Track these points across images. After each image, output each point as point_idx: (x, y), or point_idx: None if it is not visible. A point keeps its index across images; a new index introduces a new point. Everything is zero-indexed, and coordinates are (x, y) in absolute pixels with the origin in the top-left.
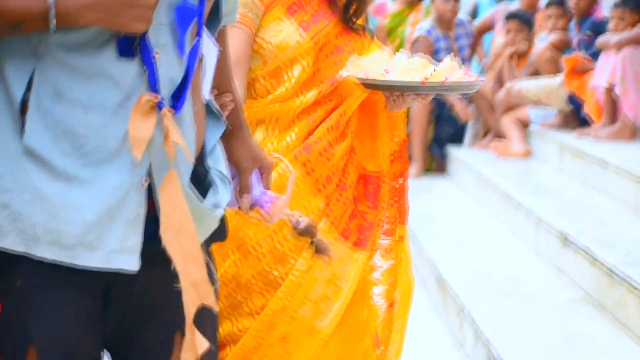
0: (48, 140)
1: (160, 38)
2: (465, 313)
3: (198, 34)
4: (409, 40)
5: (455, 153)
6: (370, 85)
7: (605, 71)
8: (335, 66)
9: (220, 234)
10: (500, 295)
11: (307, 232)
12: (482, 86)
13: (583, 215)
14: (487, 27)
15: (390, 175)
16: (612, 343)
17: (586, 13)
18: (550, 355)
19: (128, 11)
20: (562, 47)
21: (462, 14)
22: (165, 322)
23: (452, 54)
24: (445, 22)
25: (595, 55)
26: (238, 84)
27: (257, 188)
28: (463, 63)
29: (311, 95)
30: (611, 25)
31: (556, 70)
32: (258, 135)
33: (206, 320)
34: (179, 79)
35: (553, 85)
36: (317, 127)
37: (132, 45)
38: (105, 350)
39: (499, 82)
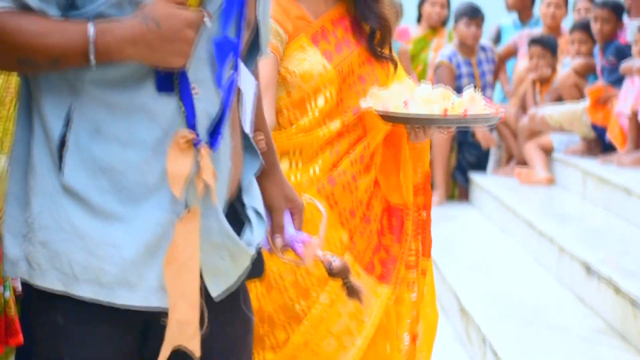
0: (86, 177)
1: (199, 73)
2: (488, 343)
3: (235, 67)
4: (432, 66)
5: (478, 180)
6: (389, 118)
7: (630, 97)
8: (358, 96)
9: (258, 270)
10: (523, 324)
11: (340, 274)
12: (505, 112)
13: (606, 243)
14: (511, 53)
15: (413, 208)
16: None
17: (610, 38)
18: None
19: (168, 46)
20: (586, 72)
21: (485, 39)
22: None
23: (474, 82)
24: (467, 47)
25: (619, 81)
26: (267, 107)
27: (289, 229)
28: (485, 88)
29: (334, 125)
30: (635, 50)
31: (580, 96)
32: (282, 167)
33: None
34: (216, 113)
35: (576, 112)
36: (341, 159)
37: (171, 80)
38: None
39: (522, 108)
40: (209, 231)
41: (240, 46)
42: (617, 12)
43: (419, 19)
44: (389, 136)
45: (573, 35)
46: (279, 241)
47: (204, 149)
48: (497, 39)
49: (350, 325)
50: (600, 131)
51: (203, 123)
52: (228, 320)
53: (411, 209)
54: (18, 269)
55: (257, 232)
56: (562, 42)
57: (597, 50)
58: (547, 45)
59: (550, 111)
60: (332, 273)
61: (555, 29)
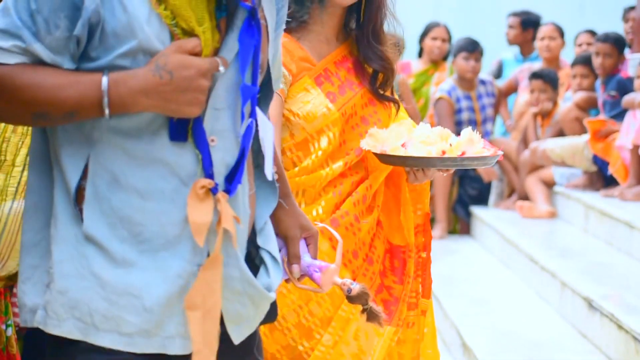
0: (106, 227)
1: (217, 124)
2: None
3: (252, 114)
4: (432, 101)
5: (479, 213)
6: (387, 159)
7: (631, 131)
8: (361, 137)
9: (271, 315)
10: (525, 359)
11: (359, 299)
12: (506, 146)
13: (609, 278)
14: (511, 89)
15: (414, 250)
16: None
17: (612, 72)
18: None
19: (181, 96)
20: (588, 106)
21: (486, 73)
22: None
23: (474, 116)
24: (467, 81)
25: (620, 116)
26: None
27: (305, 257)
28: (486, 122)
29: (337, 166)
30: (637, 84)
31: (581, 130)
32: None
33: None
34: (234, 161)
35: (578, 146)
36: (343, 200)
37: (185, 130)
38: None
39: (524, 141)
40: (231, 279)
41: (258, 91)
42: (619, 46)
43: (420, 53)
44: (390, 176)
45: (574, 69)
46: (296, 270)
47: (222, 195)
48: (499, 73)
49: None
50: (602, 165)
51: (221, 172)
52: None
53: (413, 250)
54: (35, 318)
55: (274, 276)
56: (562, 75)
57: (598, 84)
58: (547, 79)
59: (551, 145)
60: (351, 298)
61: (553, 61)
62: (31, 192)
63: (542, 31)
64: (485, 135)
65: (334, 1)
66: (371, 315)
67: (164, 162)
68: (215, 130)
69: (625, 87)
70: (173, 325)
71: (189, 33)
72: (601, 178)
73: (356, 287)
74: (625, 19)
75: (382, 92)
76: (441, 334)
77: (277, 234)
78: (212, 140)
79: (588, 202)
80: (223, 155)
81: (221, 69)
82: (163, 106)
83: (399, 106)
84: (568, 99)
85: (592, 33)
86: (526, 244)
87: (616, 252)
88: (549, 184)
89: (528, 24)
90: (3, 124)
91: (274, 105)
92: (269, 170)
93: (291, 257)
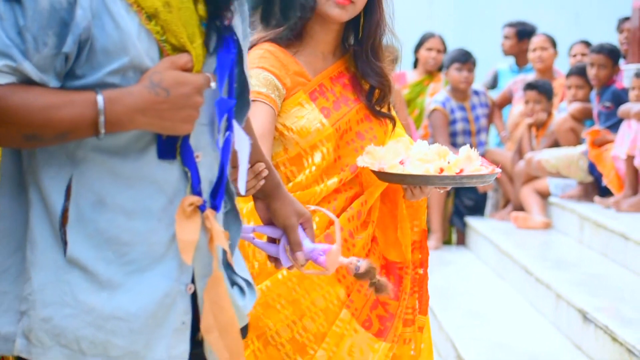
0: (91, 249)
1: (201, 139)
2: None
3: (229, 127)
4: (427, 112)
5: (474, 224)
6: (385, 177)
7: (626, 141)
8: (356, 153)
9: (243, 331)
10: None
11: (367, 275)
12: (501, 157)
13: (603, 289)
14: (506, 100)
15: (411, 266)
16: None
17: (607, 83)
18: None
19: (177, 113)
20: (583, 117)
21: (483, 84)
22: None
23: (469, 127)
24: (460, 92)
25: (615, 127)
26: None
27: (306, 243)
28: (480, 132)
29: (332, 182)
30: (632, 95)
31: (576, 141)
32: None
33: None
34: (216, 177)
35: (573, 156)
36: (338, 216)
37: (173, 148)
38: None
39: (519, 152)
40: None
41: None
42: (614, 57)
43: (415, 64)
44: (386, 192)
45: (569, 80)
46: (301, 257)
47: (210, 212)
48: (494, 83)
49: None
50: (597, 175)
51: (205, 188)
52: None
53: (410, 266)
54: (14, 346)
55: (248, 299)
56: (557, 86)
57: (593, 95)
58: (542, 90)
59: (546, 156)
60: (359, 275)
61: (546, 71)
62: (0, 217)
63: (534, 42)
64: (480, 145)
65: (331, 17)
66: (379, 288)
67: (151, 179)
68: (199, 146)
69: (620, 98)
70: (163, 348)
71: (178, 49)
72: (596, 189)
73: (363, 264)
74: (620, 29)
75: (378, 108)
76: (436, 347)
77: (275, 224)
78: (197, 157)
79: (583, 213)
80: (206, 172)
81: (212, 84)
82: (158, 124)
83: (395, 122)
84: (562, 110)
85: (586, 44)
86: (521, 255)
87: (611, 264)
88: (544, 195)
89: (524, 34)
90: None
91: (265, 115)
92: (242, 184)
93: (293, 245)
